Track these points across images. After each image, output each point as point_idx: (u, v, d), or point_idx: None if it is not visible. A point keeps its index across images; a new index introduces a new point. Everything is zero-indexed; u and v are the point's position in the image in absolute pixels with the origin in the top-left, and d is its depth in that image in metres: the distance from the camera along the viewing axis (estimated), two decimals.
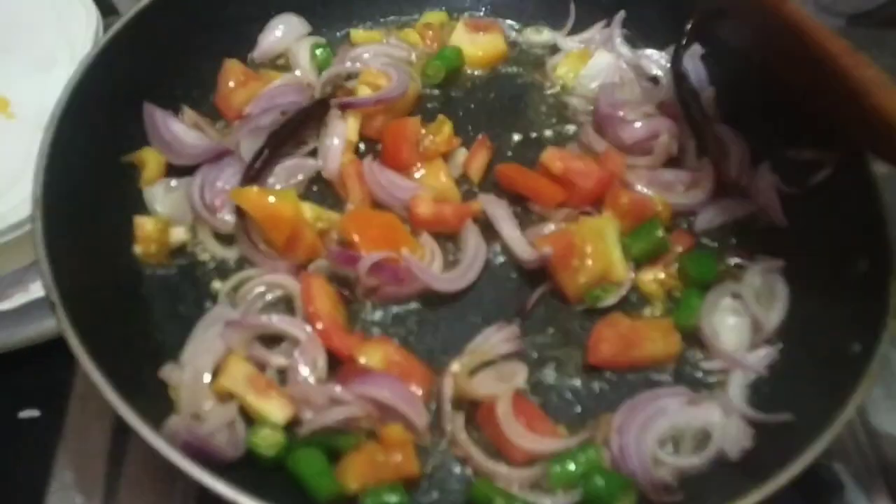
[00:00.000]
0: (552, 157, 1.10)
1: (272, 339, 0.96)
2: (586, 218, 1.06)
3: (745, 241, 1.11)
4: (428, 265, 1.03)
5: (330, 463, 0.88)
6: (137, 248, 1.03)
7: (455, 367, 0.95)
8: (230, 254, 1.05)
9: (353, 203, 1.08)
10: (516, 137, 1.19)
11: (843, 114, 0.97)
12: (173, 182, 1.08)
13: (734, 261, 1.09)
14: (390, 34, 1.27)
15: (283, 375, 0.94)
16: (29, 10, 1.23)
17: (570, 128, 1.21)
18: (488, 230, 1.08)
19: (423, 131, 1.12)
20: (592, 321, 1.01)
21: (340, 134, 1.11)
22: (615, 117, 1.15)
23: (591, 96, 1.21)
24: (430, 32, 1.26)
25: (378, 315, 1.02)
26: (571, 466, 0.89)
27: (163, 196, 1.07)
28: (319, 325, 0.95)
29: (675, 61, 1.17)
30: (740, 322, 1.02)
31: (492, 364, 0.97)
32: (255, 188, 1.03)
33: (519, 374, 0.95)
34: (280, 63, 1.23)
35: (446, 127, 1.13)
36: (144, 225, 1.03)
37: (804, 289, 1.03)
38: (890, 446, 1.06)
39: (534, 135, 1.20)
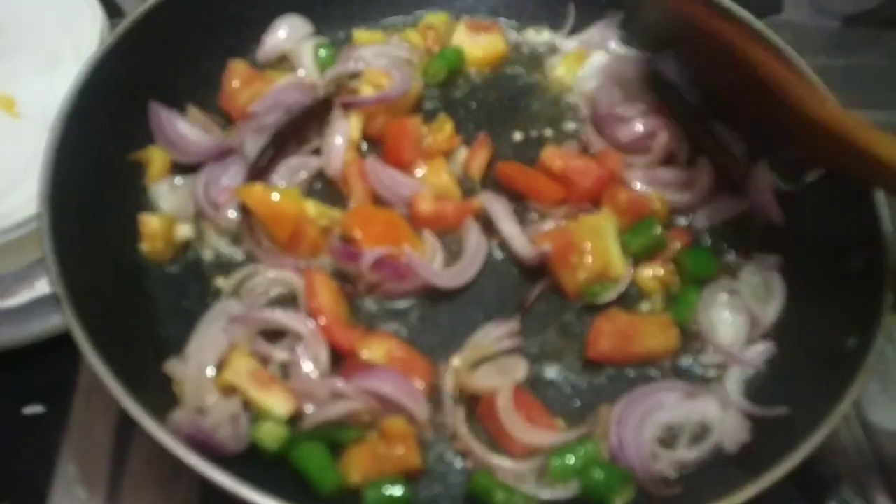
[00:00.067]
0: (552, 156, 1.11)
1: (275, 334, 0.97)
2: (585, 215, 1.07)
3: (743, 237, 1.12)
4: (429, 262, 1.04)
5: (332, 456, 0.89)
6: (143, 246, 1.04)
7: (456, 361, 0.96)
8: (234, 250, 1.06)
9: (355, 200, 1.09)
10: (517, 136, 1.20)
11: (774, 115, 0.99)
12: (178, 180, 1.09)
13: (731, 257, 1.10)
14: (392, 35, 1.28)
15: (286, 370, 0.95)
16: (35, 11, 1.24)
17: (571, 126, 1.22)
18: (489, 227, 1.09)
19: (425, 130, 1.14)
20: (591, 316, 1.02)
21: (343, 132, 1.12)
22: (613, 117, 1.17)
23: (589, 96, 1.22)
24: (432, 33, 1.27)
25: (380, 310, 1.03)
26: (571, 460, 0.90)
27: (168, 193, 1.08)
28: (322, 321, 0.96)
29: (652, 73, 1.19)
30: (737, 318, 1.03)
31: (492, 359, 0.98)
32: (259, 185, 1.04)
33: (519, 369, 0.96)
34: (284, 63, 1.23)
35: (447, 126, 1.14)
36: (150, 222, 1.04)
37: (801, 285, 1.04)
38: (886, 441, 1.07)
39: (534, 134, 1.21)
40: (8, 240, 1.05)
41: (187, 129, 1.11)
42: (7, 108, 1.16)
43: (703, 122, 1.15)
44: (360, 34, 1.26)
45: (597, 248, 1.03)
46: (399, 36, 1.27)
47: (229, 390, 0.92)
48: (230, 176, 1.08)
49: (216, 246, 1.07)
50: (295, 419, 0.92)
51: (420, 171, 1.12)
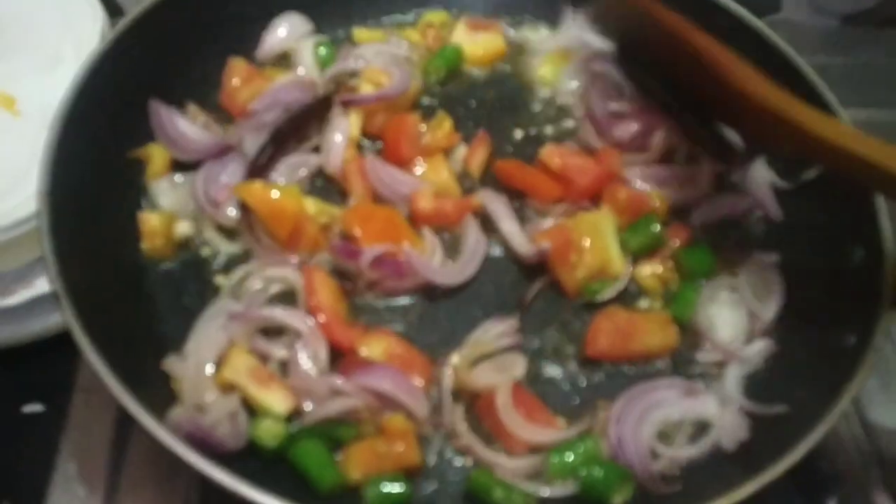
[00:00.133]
0: (551, 154, 1.11)
1: (274, 332, 0.97)
2: (584, 213, 1.07)
3: (741, 234, 1.12)
4: (428, 259, 1.04)
5: (331, 454, 0.89)
6: (143, 244, 1.04)
7: (455, 359, 0.96)
8: (233, 248, 1.06)
9: (355, 198, 1.09)
10: (517, 134, 1.21)
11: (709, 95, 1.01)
12: (178, 177, 1.09)
13: (730, 255, 1.09)
14: (392, 33, 1.28)
15: (286, 367, 0.95)
16: (35, 10, 1.24)
17: (570, 124, 1.22)
18: (488, 225, 1.09)
19: (424, 127, 1.14)
20: (590, 314, 1.02)
21: (343, 130, 1.12)
22: (608, 115, 1.16)
23: (578, 95, 1.22)
24: (432, 31, 1.27)
25: (379, 308, 1.03)
26: (570, 457, 0.90)
27: (167, 191, 1.08)
28: (321, 318, 0.96)
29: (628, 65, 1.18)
30: (736, 315, 1.04)
31: (491, 356, 0.98)
32: (258, 183, 1.04)
33: (518, 366, 0.96)
34: (284, 61, 1.23)
35: (446, 123, 1.14)
36: (150, 220, 1.04)
37: (799, 282, 1.04)
38: (885, 439, 1.07)
39: (534, 131, 1.21)
40: (8, 238, 1.05)
41: (187, 126, 1.11)
42: (7, 107, 1.16)
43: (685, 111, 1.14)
44: (359, 33, 1.27)
45: (596, 245, 1.03)
46: (399, 34, 1.27)
47: (228, 388, 0.92)
48: (230, 173, 1.08)
49: (215, 243, 1.07)
50: (294, 416, 0.92)
51: (419, 169, 1.12)
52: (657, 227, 1.07)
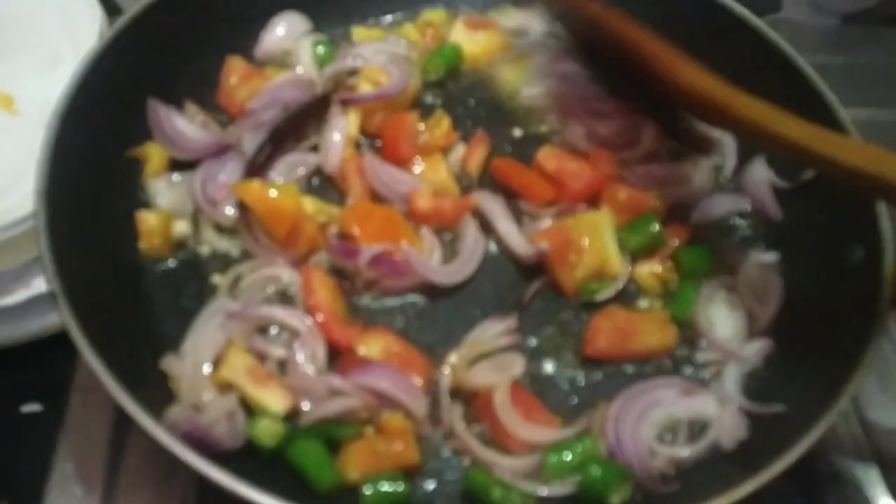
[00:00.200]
0: (547, 156, 1.11)
1: (272, 331, 0.97)
2: (582, 213, 1.07)
3: (740, 234, 1.12)
4: (427, 258, 1.04)
5: (330, 453, 0.89)
6: (141, 243, 1.04)
7: (453, 358, 0.96)
8: (231, 247, 1.06)
9: (353, 197, 1.09)
10: (517, 133, 1.20)
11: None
12: (176, 176, 1.09)
13: (729, 254, 1.09)
14: (390, 32, 1.28)
15: (284, 366, 0.95)
16: (34, 9, 1.24)
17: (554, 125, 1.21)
18: (487, 224, 1.09)
19: (422, 126, 1.14)
20: (589, 313, 1.02)
21: (342, 129, 1.12)
22: (590, 113, 1.16)
23: (550, 97, 1.21)
24: (430, 30, 1.27)
25: (377, 307, 1.03)
26: (568, 456, 0.90)
27: (165, 190, 1.08)
28: (319, 317, 0.96)
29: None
30: (735, 314, 1.03)
31: (490, 356, 0.98)
32: (256, 182, 1.04)
33: (516, 365, 0.96)
34: (282, 60, 1.23)
35: (444, 122, 1.14)
36: (147, 220, 1.04)
37: (798, 281, 1.04)
38: (884, 438, 1.07)
39: (533, 129, 1.20)
40: (6, 237, 1.05)
41: (185, 125, 1.11)
42: (6, 107, 1.16)
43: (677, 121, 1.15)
44: (358, 32, 1.27)
45: (594, 245, 1.03)
46: (397, 33, 1.27)
47: (226, 387, 0.92)
48: (228, 172, 1.08)
49: (213, 243, 1.06)
50: (292, 416, 0.91)
51: (418, 168, 1.11)
52: (656, 227, 1.07)
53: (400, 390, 0.91)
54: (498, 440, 0.92)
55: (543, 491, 0.89)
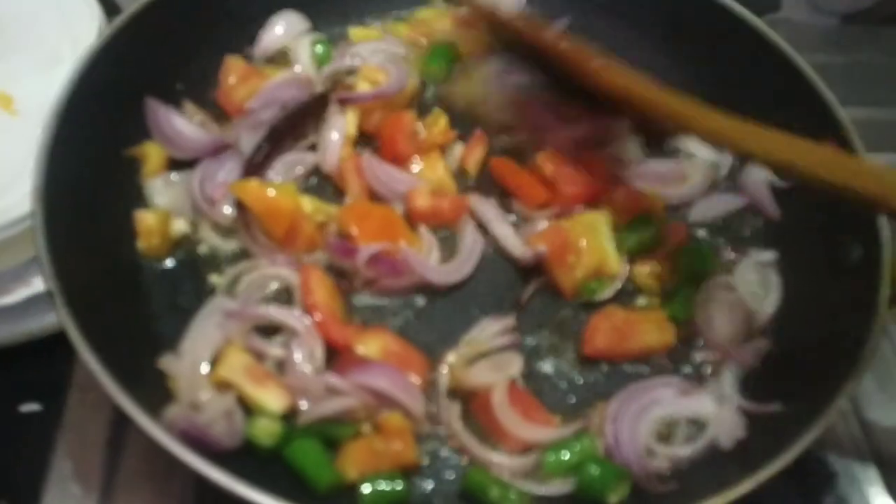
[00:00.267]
0: (545, 159, 1.10)
1: (270, 330, 0.97)
2: (579, 214, 1.07)
3: (739, 233, 1.12)
4: (425, 257, 1.04)
5: (328, 452, 0.89)
6: (140, 243, 1.04)
7: (451, 357, 0.96)
8: (229, 246, 1.06)
9: (351, 197, 1.09)
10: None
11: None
12: (174, 176, 1.09)
13: (727, 253, 1.10)
14: (387, 30, 1.27)
15: (282, 366, 0.95)
16: (33, 9, 1.24)
17: None
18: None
19: (420, 124, 1.13)
20: (587, 313, 1.02)
21: (340, 128, 1.12)
22: (556, 120, 1.14)
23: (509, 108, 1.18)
24: (424, 28, 1.26)
25: (376, 306, 1.03)
26: (566, 456, 0.90)
27: (163, 189, 1.08)
28: (318, 316, 0.96)
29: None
30: (734, 313, 1.03)
31: (488, 355, 0.98)
32: (254, 181, 1.04)
33: (514, 365, 0.96)
34: (280, 59, 1.23)
35: (442, 119, 1.14)
36: (145, 219, 1.04)
37: (797, 280, 1.04)
38: (883, 437, 1.07)
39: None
40: (5, 237, 1.05)
41: (184, 124, 1.11)
42: (5, 106, 1.16)
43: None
44: (356, 32, 1.26)
45: (592, 246, 1.03)
46: (393, 31, 1.26)
47: (224, 386, 0.91)
48: (226, 172, 1.08)
49: (212, 242, 1.06)
50: (290, 415, 0.91)
51: (416, 167, 1.11)
52: (654, 226, 1.07)
53: (398, 389, 0.91)
54: (496, 439, 0.92)
55: (541, 490, 0.89)
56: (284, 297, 1.01)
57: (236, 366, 0.92)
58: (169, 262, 1.05)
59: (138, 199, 1.08)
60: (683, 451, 0.93)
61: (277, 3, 1.24)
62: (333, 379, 0.91)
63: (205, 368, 0.92)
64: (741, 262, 1.07)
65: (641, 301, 1.06)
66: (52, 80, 1.08)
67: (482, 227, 1.09)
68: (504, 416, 0.91)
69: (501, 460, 0.91)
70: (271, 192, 1.02)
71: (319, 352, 0.94)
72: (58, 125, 0.97)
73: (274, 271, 1.01)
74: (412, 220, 1.07)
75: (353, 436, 0.90)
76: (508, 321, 1.00)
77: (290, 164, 1.11)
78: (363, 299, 1.03)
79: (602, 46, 1.28)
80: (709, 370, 1.00)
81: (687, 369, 1.01)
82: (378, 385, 0.91)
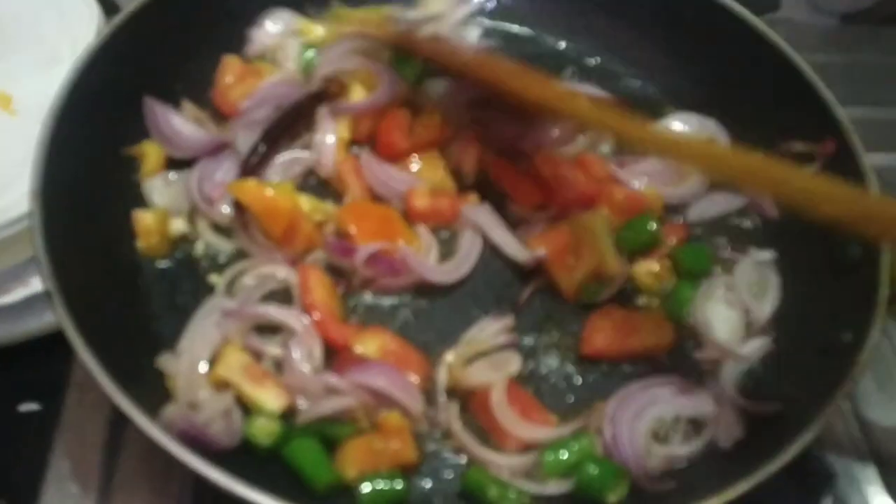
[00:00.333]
0: (544, 161, 1.10)
1: (269, 329, 0.97)
2: (578, 215, 1.07)
3: (738, 232, 1.12)
4: (424, 257, 1.04)
5: (326, 452, 0.89)
6: (138, 242, 1.04)
7: (450, 356, 0.96)
8: (228, 245, 1.06)
9: (351, 198, 1.08)
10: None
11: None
12: (172, 175, 1.09)
13: (726, 253, 1.09)
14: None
15: (280, 365, 0.94)
16: (32, 8, 1.24)
17: None
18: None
19: (415, 122, 1.12)
20: (586, 312, 1.02)
21: (332, 132, 1.11)
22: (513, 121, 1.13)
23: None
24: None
25: (374, 305, 1.03)
26: (564, 455, 0.90)
27: (162, 188, 1.08)
28: (316, 316, 0.96)
29: None
30: (733, 313, 1.03)
31: (486, 354, 0.97)
32: (252, 181, 1.04)
33: (513, 364, 0.96)
34: (273, 57, 1.21)
35: (436, 115, 1.12)
36: (144, 219, 1.04)
37: (796, 280, 1.04)
38: (881, 437, 1.06)
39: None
40: (3, 236, 1.05)
41: (182, 124, 1.10)
42: (4, 105, 1.16)
43: None
44: (343, 13, 1.23)
45: (591, 247, 1.03)
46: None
47: (222, 385, 0.91)
48: (224, 171, 1.08)
49: (210, 241, 1.06)
50: (288, 414, 0.91)
51: (415, 167, 1.11)
52: (653, 226, 1.07)
53: (396, 388, 0.91)
54: (494, 438, 0.92)
55: (540, 490, 0.89)
56: (283, 296, 1.00)
57: (235, 365, 0.92)
58: (168, 262, 1.05)
59: (137, 198, 1.08)
60: (682, 450, 0.93)
61: (276, 3, 1.24)
62: (332, 378, 0.91)
63: (203, 368, 0.93)
64: (740, 262, 1.07)
65: (641, 301, 1.06)
66: (51, 80, 1.08)
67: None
68: (503, 415, 0.91)
69: (500, 460, 0.91)
70: (269, 192, 1.02)
71: (318, 351, 0.94)
72: (56, 125, 0.97)
73: (272, 270, 1.01)
74: (411, 219, 1.07)
75: (352, 435, 0.90)
76: (507, 320, 1.00)
77: (288, 164, 1.11)
78: (362, 298, 1.03)
79: (602, 46, 1.30)
80: (708, 369, 1.00)
81: (686, 368, 1.00)
82: (377, 384, 0.90)
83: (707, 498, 0.80)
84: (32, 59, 1.19)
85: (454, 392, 0.95)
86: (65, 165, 0.97)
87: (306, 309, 0.97)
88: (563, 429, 0.93)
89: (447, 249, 1.07)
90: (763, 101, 1.15)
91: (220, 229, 1.07)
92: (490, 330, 0.99)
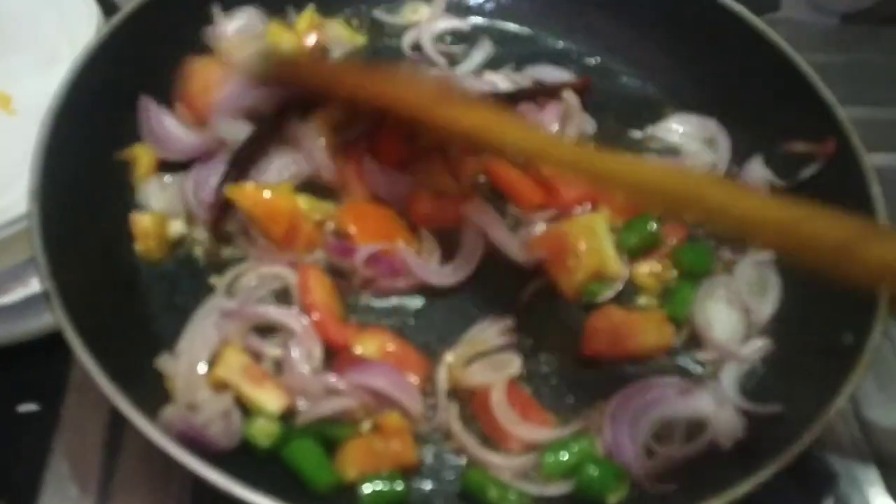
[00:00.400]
0: None
1: (268, 330, 0.97)
2: (578, 216, 1.07)
3: None
4: (425, 259, 1.04)
5: (326, 453, 0.88)
6: (137, 245, 1.03)
7: (450, 357, 0.96)
8: (227, 248, 1.05)
9: (351, 198, 1.08)
10: None
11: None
12: (167, 178, 1.08)
13: (727, 253, 1.09)
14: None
15: (279, 366, 0.94)
16: (31, 8, 1.23)
17: None
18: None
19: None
20: (587, 313, 1.02)
21: (315, 137, 1.08)
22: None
23: None
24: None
25: (374, 306, 1.02)
26: (565, 456, 0.90)
27: (158, 191, 1.07)
28: (316, 316, 0.95)
29: None
30: (733, 313, 1.03)
31: (486, 355, 0.97)
32: (250, 185, 1.03)
33: (512, 364, 0.96)
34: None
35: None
36: (141, 222, 1.03)
37: (796, 280, 1.04)
38: (883, 438, 1.06)
39: None
40: (2, 237, 1.05)
41: (174, 125, 1.09)
42: (3, 105, 1.16)
43: None
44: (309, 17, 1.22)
45: (591, 248, 1.02)
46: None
47: (221, 386, 0.91)
48: (219, 176, 1.07)
49: (208, 244, 1.05)
50: (288, 415, 0.91)
51: (416, 170, 1.10)
52: (654, 226, 1.06)
53: (396, 389, 0.91)
54: (494, 439, 0.92)
55: (540, 490, 0.89)
56: (283, 296, 1.00)
57: (234, 366, 0.92)
58: (167, 263, 1.04)
59: (136, 199, 1.07)
60: (682, 451, 0.92)
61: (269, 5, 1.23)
62: (332, 379, 0.91)
63: (202, 369, 0.92)
64: (740, 262, 1.07)
65: (641, 301, 1.05)
66: (50, 80, 1.08)
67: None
68: (503, 416, 0.91)
69: (500, 461, 0.90)
70: (267, 195, 1.01)
71: (318, 352, 0.94)
72: (55, 125, 0.97)
73: (272, 271, 1.01)
74: (413, 221, 1.06)
75: (352, 436, 0.90)
76: (507, 321, 1.00)
77: (285, 164, 1.09)
78: (362, 299, 1.03)
79: (602, 46, 1.30)
80: (708, 370, 1.00)
81: (686, 369, 1.00)
82: (376, 385, 0.90)
83: (707, 499, 0.80)
84: (32, 59, 1.19)
85: (454, 393, 0.95)
86: (64, 166, 0.96)
87: (306, 309, 0.96)
88: (563, 429, 0.93)
89: (449, 250, 1.07)
90: (763, 101, 1.15)
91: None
92: (490, 330, 0.99)
